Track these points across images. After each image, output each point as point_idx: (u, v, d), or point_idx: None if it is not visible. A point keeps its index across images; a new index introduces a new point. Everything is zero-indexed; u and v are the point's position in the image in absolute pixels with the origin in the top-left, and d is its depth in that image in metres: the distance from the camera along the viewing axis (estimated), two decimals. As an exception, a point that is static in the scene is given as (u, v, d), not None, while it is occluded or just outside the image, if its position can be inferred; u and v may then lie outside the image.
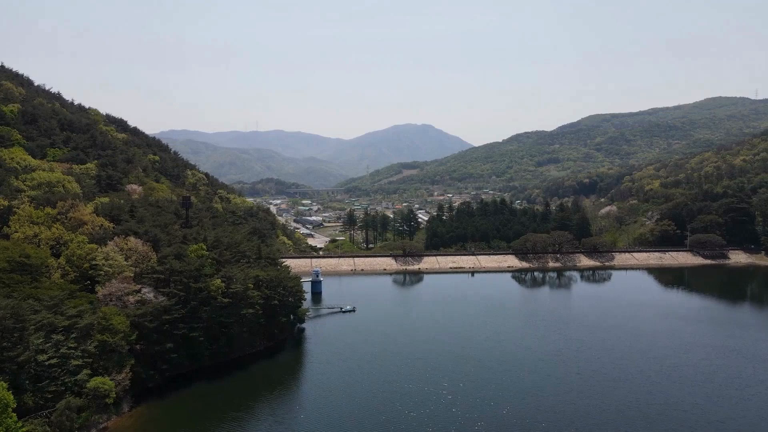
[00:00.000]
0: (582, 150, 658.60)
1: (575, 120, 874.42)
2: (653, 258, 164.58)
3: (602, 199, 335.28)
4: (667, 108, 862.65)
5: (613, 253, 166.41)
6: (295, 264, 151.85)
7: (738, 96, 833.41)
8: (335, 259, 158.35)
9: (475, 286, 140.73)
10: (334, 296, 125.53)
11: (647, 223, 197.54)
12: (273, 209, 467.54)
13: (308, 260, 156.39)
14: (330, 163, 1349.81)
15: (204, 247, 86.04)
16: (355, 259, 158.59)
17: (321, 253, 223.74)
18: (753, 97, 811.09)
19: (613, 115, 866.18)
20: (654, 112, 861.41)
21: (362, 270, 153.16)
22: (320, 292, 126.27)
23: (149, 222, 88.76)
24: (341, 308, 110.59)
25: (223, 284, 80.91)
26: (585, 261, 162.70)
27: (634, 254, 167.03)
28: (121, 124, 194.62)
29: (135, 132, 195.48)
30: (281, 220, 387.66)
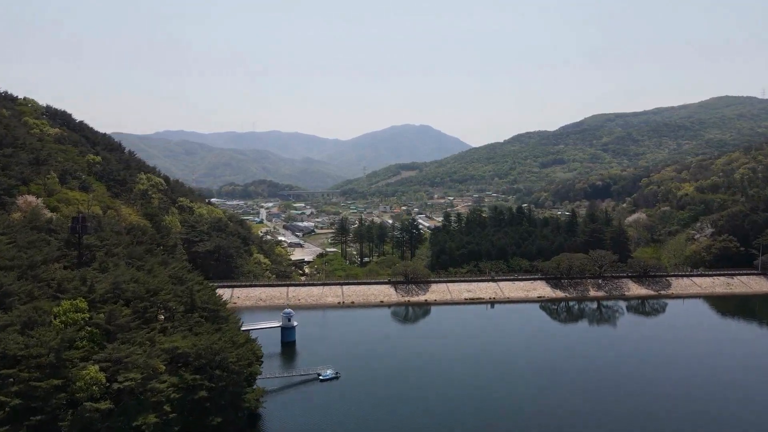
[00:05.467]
0: (588, 150, 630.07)
1: (578, 120, 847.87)
2: (719, 284, 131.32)
3: (623, 204, 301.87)
4: (673, 107, 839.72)
5: (668, 278, 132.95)
6: (266, 295, 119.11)
7: (744, 95, 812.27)
8: (318, 287, 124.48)
9: (497, 325, 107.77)
10: (313, 346, 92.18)
11: (697, 236, 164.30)
12: (263, 213, 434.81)
13: (284, 289, 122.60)
14: (327, 164, 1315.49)
15: (83, 304, 52.48)
16: (344, 287, 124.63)
17: (306, 270, 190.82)
18: (760, 96, 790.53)
19: (617, 115, 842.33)
20: (659, 111, 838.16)
21: (353, 303, 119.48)
22: (293, 341, 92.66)
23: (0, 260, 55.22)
24: (318, 374, 77.01)
25: (104, 374, 47.45)
26: (635, 288, 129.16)
27: (695, 279, 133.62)
28: (63, 118, 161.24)
29: (80, 127, 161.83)
30: (269, 225, 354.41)
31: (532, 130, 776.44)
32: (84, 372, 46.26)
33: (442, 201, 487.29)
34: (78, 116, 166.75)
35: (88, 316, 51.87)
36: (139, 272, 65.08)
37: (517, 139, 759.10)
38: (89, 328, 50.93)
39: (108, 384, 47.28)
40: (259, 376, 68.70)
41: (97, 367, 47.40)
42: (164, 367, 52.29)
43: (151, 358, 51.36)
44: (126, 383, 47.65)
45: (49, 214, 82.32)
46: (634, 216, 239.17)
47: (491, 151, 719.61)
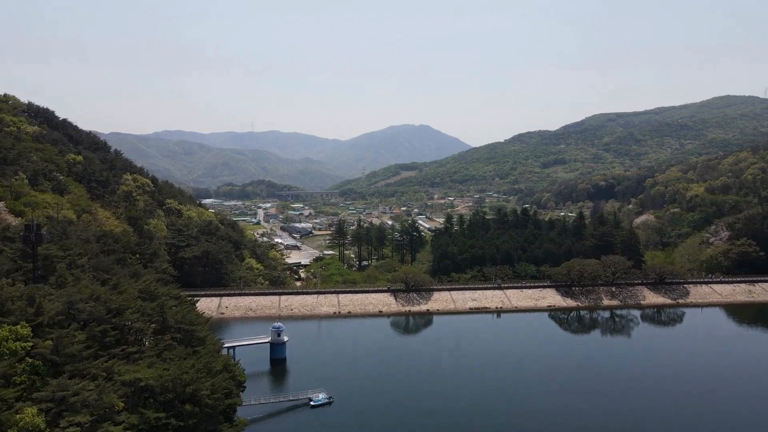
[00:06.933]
0: (590, 150, 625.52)
1: (579, 119, 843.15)
2: (740, 291, 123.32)
3: (629, 206, 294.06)
4: (674, 107, 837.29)
5: (686, 286, 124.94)
6: (257, 304, 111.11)
7: (746, 95, 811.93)
8: (313, 296, 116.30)
9: (505, 337, 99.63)
10: (305, 363, 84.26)
11: (712, 240, 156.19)
12: (261, 214, 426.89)
13: (276, 298, 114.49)
14: (326, 164, 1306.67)
15: (25, 330, 44.35)
16: (340, 296, 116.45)
17: (302, 274, 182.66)
18: (762, 96, 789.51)
19: (618, 115, 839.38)
20: (660, 111, 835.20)
21: (349, 313, 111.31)
22: (284, 359, 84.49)
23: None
24: (309, 399, 68.95)
25: (44, 418, 39.36)
26: (651, 297, 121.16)
27: (714, 286, 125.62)
28: (44, 116, 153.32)
29: (62, 125, 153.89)
30: (266, 227, 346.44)
31: (532, 130, 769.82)
32: (18, 416, 38.21)
33: (443, 201, 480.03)
34: (78, 117, 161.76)
35: (30, 344, 43.81)
36: (103, 287, 57.00)
37: (518, 138, 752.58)
38: (30, 360, 42.88)
39: (49, 429, 39.20)
40: (242, 403, 60.90)
41: (35, 408, 39.35)
42: (122, 404, 44.22)
43: (107, 393, 43.26)
44: (70, 429, 39.54)
45: (11, 219, 74.32)
46: (642, 218, 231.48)
47: (492, 151, 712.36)
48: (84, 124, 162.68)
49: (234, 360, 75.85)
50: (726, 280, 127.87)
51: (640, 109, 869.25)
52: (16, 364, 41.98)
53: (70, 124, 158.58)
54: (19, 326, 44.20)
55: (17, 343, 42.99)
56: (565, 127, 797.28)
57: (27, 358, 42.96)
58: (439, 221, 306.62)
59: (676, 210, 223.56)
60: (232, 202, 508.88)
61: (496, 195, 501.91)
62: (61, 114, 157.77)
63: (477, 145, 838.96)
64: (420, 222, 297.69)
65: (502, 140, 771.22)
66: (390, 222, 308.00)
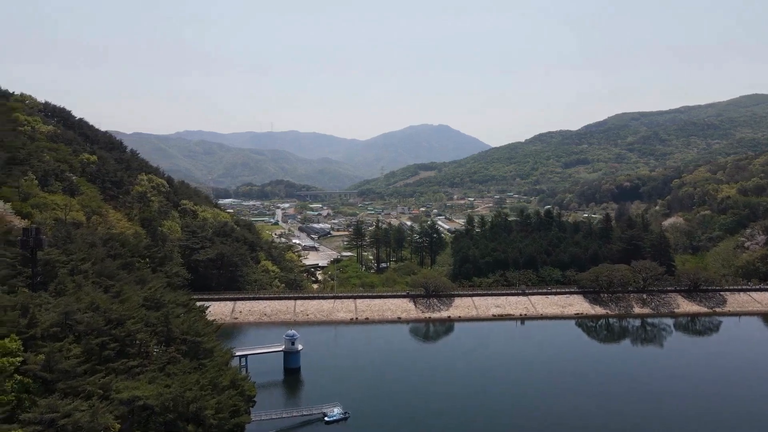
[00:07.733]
0: (613, 150, 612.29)
1: (601, 119, 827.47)
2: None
3: (656, 207, 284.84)
4: (700, 106, 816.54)
5: (722, 293, 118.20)
6: (271, 309, 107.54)
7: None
8: (329, 301, 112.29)
9: (531, 347, 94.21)
10: (320, 373, 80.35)
11: (748, 244, 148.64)
12: (279, 214, 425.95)
13: (291, 303, 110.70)
14: (344, 164, 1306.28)
15: (14, 344, 40.89)
16: (358, 301, 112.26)
17: (319, 276, 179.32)
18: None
19: (642, 114, 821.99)
20: (686, 110, 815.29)
21: (367, 319, 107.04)
22: (298, 368, 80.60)
23: None
24: (324, 414, 64.87)
25: (30, 444, 35.82)
26: (685, 305, 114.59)
27: (753, 294, 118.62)
28: (61, 115, 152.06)
29: (78, 125, 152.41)
30: (284, 227, 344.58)
31: (553, 130, 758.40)
32: (1, 442, 34.81)
33: (462, 202, 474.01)
34: (101, 118, 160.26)
35: (20, 359, 40.41)
36: (104, 295, 53.61)
37: (539, 138, 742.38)
38: (19, 377, 39.46)
39: (34, 457, 35.74)
40: (253, 418, 57.20)
41: (21, 431, 35.93)
42: (119, 426, 40.61)
43: (101, 414, 39.66)
44: (59, 455, 36.02)
45: (18, 221, 71.68)
46: (671, 220, 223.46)
47: (512, 151, 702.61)
48: (106, 124, 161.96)
49: (246, 370, 72.58)
50: (766, 287, 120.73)
51: (664, 108, 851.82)
52: (4, 382, 38.59)
53: (86, 123, 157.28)
54: (7, 340, 40.82)
55: (5, 358, 39.57)
56: (587, 127, 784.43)
57: (15, 375, 39.55)
58: (459, 222, 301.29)
59: (706, 212, 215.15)
60: (251, 202, 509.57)
61: (517, 195, 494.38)
62: (83, 115, 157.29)
63: (497, 145, 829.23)
64: (439, 223, 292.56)
65: (522, 140, 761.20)
66: (409, 223, 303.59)
